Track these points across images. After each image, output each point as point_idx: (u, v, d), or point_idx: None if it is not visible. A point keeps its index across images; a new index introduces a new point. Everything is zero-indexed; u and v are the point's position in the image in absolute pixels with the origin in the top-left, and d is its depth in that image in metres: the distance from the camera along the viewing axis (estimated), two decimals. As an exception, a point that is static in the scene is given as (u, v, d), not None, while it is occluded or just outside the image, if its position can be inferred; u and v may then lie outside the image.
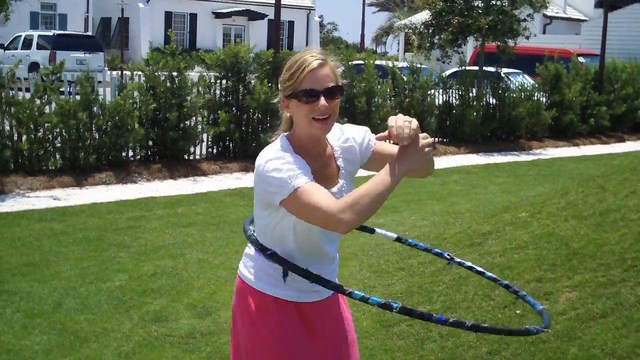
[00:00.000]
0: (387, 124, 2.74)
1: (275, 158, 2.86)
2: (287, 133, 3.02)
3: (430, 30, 19.99)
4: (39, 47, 28.32)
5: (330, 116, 2.90)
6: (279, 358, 3.02)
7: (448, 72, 20.87)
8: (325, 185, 2.92)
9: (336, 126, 3.12)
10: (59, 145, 11.96)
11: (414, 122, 2.71)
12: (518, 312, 5.61)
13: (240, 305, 3.13)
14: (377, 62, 17.50)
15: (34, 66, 26.25)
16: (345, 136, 3.13)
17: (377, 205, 2.70)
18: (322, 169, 3.01)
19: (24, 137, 11.54)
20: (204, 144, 14.11)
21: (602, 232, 6.41)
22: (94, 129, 12.17)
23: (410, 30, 23.29)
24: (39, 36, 29.09)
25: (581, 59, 23.78)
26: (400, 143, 2.72)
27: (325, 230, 2.94)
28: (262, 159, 2.90)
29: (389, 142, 2.86)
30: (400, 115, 2.76)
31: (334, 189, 3.01)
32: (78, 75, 12.21)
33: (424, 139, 2.76)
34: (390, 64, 17.66)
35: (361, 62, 16.88)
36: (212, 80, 14.19)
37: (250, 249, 3.13)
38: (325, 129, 2.93)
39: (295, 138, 2.98)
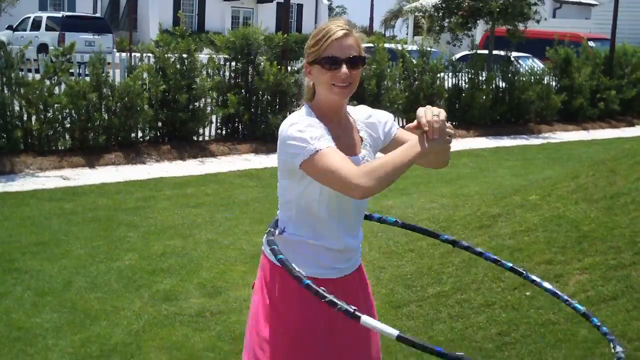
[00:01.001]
0: (417, 114, 2.74)
1: (299, 122, 2.90)
2: (310, 102, 3.06)
3: (440, 14, 19.89)
4: (48, 28, 28.30)
5: (351, 84, 2.95)
6: (302, 340, 3.02)
7: (458, 56, 20.79)
8: (347, 153, 2.94)
9: (362, 106, 3.20)
10: (69, 125, 11.98)
11: (442, 114, 2.71)
12: (528, 293, 5.61)
13: (265, 279, 3.12)
14: (387, 45, 17.46)
15: (42, 47, 26.23)
16: (369, 114, 3.18)
17: (395, 175, 2.71)
18: (344, 137, 3.04)
19: (34, 118, 11.57)
20: (213, 125, 14.11)
21: (612, 215, 6.39)
22: (103, 110, 12.18)
23: (420, 14, 23.22)
24: (48, 17, 29.06)
25: (591, 43, 23.66)
26: (430, 136, 2.70)
27: (354, 200, 2.95)
28: (286, 123, 2.93)
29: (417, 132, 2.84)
30: (428, 107, 2.75)
31: (358, 158, 3.03)
32: (90, 57, 12.22)
33: (448, 128, 2.76)
34: (400, 47, 17.61)
35: (371, 45, 16.84)
36: (222, 62, 14.18)
37: (274, 228, 3.12)
38: (345, 95, 2.98)
39: (317, 106, 3.03)
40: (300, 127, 2.87)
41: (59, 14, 29.78)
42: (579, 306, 3.25)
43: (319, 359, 3.06)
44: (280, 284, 3.06)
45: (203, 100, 13.51)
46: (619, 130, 20.30)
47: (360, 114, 3.17)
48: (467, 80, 18.25)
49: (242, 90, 14.16)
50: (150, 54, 13.20)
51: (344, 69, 2.91)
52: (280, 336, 3.04)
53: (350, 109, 3.17)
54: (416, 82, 16.98)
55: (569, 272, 5.74)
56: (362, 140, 3.10)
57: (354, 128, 3.12)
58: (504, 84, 18.81)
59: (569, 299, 3.32)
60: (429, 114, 2.68)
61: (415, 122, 2.76)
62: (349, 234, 3.09)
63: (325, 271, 3.06)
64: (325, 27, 2.98)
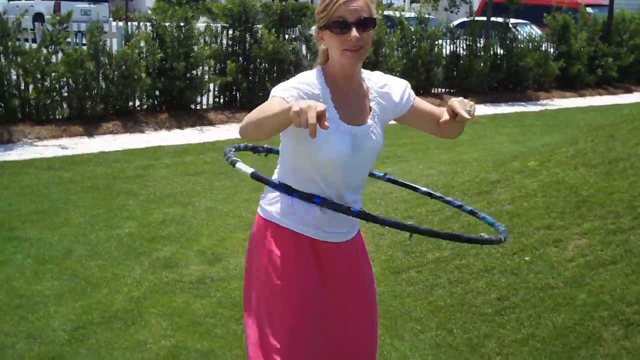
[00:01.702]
0: (454, 106, 2.81)
1: (298, 78, 2.96)
2: (322, 66, 3.06)
3: (438, -20, 19.80)
4: (43, -3, 28.10)
5: (362, 47, 2.93)
6: (288, 293, 3.03)
7: (456, 22, 20.69)
8: (353, 122, 2.99)
9: (379, 73, 3.18)
10: (66, 94, 11.94)
11: (474, 106, 2.84)
12: (527, 258, 5.63)
13: (257, 239, 3.14)
14: (385, 12, 17.38)
15: (38, 17, 26.06)
16: (384, 82, 3.15)
17: (261, 122, 2.74)
18: (353, 105, 3.04)
19: (31, 87, 11.53)
20: (211, 94, 14.07)
21: (611, 180, 6.40)
22: (101, 78, 12.14)
23: (418, -20, 23.08)
24: (43, -14, 28.84)
25: (589, 10, 23.56)
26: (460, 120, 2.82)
27: (345, 168, 2.97)
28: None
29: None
30: (461, 99, 2.84)
31: (362, 127, 3.03)
32: (87, 25, 12.16)
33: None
34: (398, 14, 17.53)
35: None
36: (219, 30, 14.11)
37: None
38: (357, 59, 2.95)
39: (330, 71, 3.02)
40: (293, 80, 2.93)
41: (54, -17, 29.54)
42: (468, 207, 3.50)
43: (316, 302, 3.07)
44: (274, 236, 3.08)
45: (201, 68, 13.47)
46: (616, 96, 20.26)
47: (375, 82, 3.14)
48: (465, 47, 18.19)
49: (240, 58, 14.12)
50: (147, 23, 13.14)
51: (354, 32, 2.89)
52: (277, 286, 3.05)
53: (366, 73, 3.15)
54: (414, 50, 16.94)
55: (568, 237, 5.76)
56: (370, 110, 3.09)
57: (367, 96, 3.10)
58: (501, 51, 18.75)
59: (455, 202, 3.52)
60: (467, 106, 2.81)
61: (446, 115, 2.86)
62: (342, 200, 3.08)
63: (309, 230, 3.06)
64: None
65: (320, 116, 2.47)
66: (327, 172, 2.99)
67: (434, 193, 3.61)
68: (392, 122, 3.23)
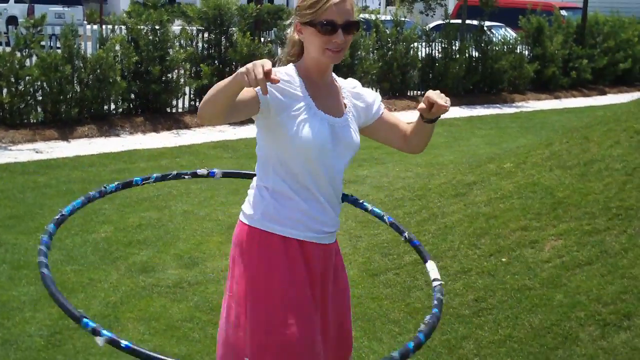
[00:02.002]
0: (430, 96, 2.86)
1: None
2: (295, 61, 3.06)
3: (413, -17, 19.88)
4: (17, 0, 27.89)
5: (343, 49, 2.96)
6: (281, 299, 2.96)
7: (431, 25, 20.76)
8: (330, 112, 3.00)
9: (351, 79, 3.23)
10: (41, 98, 11.85)
11: (449, 101, 2.88)
12: (504, 260, 5.66)
13: (243, 247, 3.04)
14: (361, 15, 17.41)
15: (11, 20, 25.90)
16: (355, 84, 3.20)
17: (211, 99, 2.70)
18: (327, 97, 3.04)
19: (5, 91, 11.43)
20: (187, 97, 14.03)
21: (586, 181, 6.44)
22: (75, 82, 12.07)
23: (393, -17, 23.15)
24: (17, -11, 28.65)
25: (563, 12, 23.73)
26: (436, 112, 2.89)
27: (326, 151, 2.95)
28: None
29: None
30: (438, 92, 2.87)
31: (340, 120, 3.03)
32: (62, 28, 12.08)
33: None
34: (373, 17, 17.56)
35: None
36: (194, 34, 14.08)
37: (253, 190, 3.09)
38: (336, 60, 2.98)
39: (304, 65, 3.02)
40: None
41: (28, -14, 29.36)
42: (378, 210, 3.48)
43: (305, 310, 3.00)
44: (261, 244, 3.00)
45: (176, 71, 13.42)
46: (591, 98, 20.40)
47: (347, 83, 3.19)
48: (440, 50, 18.24)
49: (215, 61, 14.09)
50: (122, 26, 13.08)
51: (340, 35, 2.91)
52: (268, 297, 2.97)
53: (338, 77, 3.18)
54: (390, 52, 16.97)
55: (544, 238, 5.79)
56: (345, 107, 3.10)
57: (339, 94, 3.12)
58: (477, 54, 18.82)
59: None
60: (442, 99, 2.85)
61: (423, 104, 2.89)
62: (326, 200, 3.03)
63: (304, 232, 3.00)
64: None
65: (267, 72, 2.47)
66: (311, 163, 2.94)
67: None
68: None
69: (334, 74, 3.16)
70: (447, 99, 2.87)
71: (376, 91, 16.63)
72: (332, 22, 2.89)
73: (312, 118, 2.93)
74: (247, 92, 2.80)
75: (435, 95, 2.85)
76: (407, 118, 14.82)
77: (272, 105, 2.86)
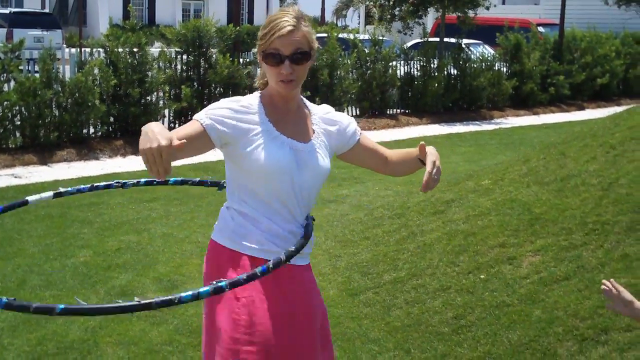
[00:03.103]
0: (430, 157, 3.02)
1: (230, 98, 3.03)
2: (263, 90, 3.11)
3: (391, 2, 19.97)
4: (-5, 25, 27.87)
5: (294, 80, 2.97)
6: (255, 319, 2.98)
7: (409, 44, 20.88)
8: (294, 136, 3.03)
9: (326, 105, 3.28)
10: (19, 123, 11.82)
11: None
12: (482, 277, 5.68)
13: (213, 264, 3.09)
14: (339, 35, 17.50)
15: (-10, 44, 25.81)
16: (328, 110, 3.23)
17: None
18: (292, 124, 3.07)
19: (-17, 116, 11.41)
20: (166, 119, 14.02)
21: (563, 197, 6.48)
22: (54, 106, 12.05)
23: (371, 3, 23.27)
24: (-4, 14, 28.62)
25: (541, 29, 23.91)
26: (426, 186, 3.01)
27: (288, 175, 2.97)
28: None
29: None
30: (438, 162, 3.02)
31: (306, 145, 3.05)
32: (40, 53, 12.08)
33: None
34: (352, 36, 17.65)
35: (324, 35, 16.86)
36: (173, 56, 14.09)
37: (225, 212, 3.12)
38: (289, 89, 3.00)
39: (268, 94, 3.07)
40: (221, 102, 2.98)
41: (7, 10, 29.32)
42: None
43: (290, 330, 3.02)
44: (229, 262, 3.03)
45: (155, 94, 13.42)
46: (569, 114, 20.55)
47: (319, 109, 3.21)
48: (419, 68, 18.35)
49: (195, 83, 14.11)
50: (100, 49, 13.08)
51: (287, 65, 2.92)
52: (241, 322, 2.97)
53: (311, 104, 3.21)
54: (369, 71, 17.05)
55: (522, 254, 5.81)
56: (313, 132, 3.11)
57: (308, 119, 3.14)
58: (455, 71, 18.94)
59: None
60: (435, 169, 3.00)
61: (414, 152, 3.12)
62: (291, 220, 3.05)
63: (264, 253, 3.00)
64: (273, 20, 2.97)
65: (163, 152, 2.45)
66: (276, 187, 2.96)
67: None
68: (340, 161, 3.28)
69: (305, 100, 3.20)
70: (440, 172, 3.02)
71: (356, 110, 16.77)
72: (277, 53, 2.93)
73: (271, 142, 2.96)
74: (195, 131, 2.87)
75: (431, 164, 2.98)
76: (387, 136, 14.89)
77: (225, 138, 2.92)
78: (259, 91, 3.12)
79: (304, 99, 3.23)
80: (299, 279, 3.11)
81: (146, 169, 2.48)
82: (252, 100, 3.03)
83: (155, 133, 2.48)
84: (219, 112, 2.93)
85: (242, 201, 3.03)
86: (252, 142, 2.94)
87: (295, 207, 3.04)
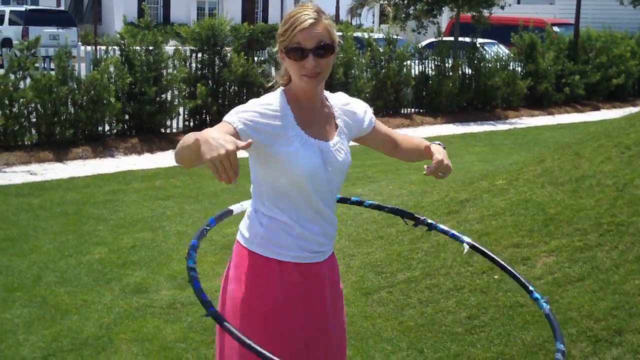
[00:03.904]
0: (436, 155, 3.13)
1: (258, 99, 2.99)
2: (286, 86, 3.07)
3: (406, 1, 19.97)
4: (11, 22, 28.01)
5: (319, 73, 2.95)
6: (265, 324, 3.01)
7: (424, 43, 20.87)
8: (320, 137, 3.02)
9: (340, 93, 3.25)
10: (35, 120, 11.89)
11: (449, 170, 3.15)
12: (496, 277, 5.67)
13: (239, 268, 3.07)
14: (354, 34, 17.51)
15: (6, 42, 25.98)
16: (347, 101, 3.22)
17: (179, 153, 2.75)
18: (318, 123, 3.06)
19: (-1, 113, 11.48)
20: (181, 117, 14.06)
21: (578, 197, 6.47)
22: (70, 103, 12.10)
23: (385, 2, 23.25)
24: (11, 12, 28.74)
25: (556, 29, 23.84)
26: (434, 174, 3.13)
27: (319, 178, 2.98)
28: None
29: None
30: (446, 161, 3.13)
31: (329, 143, 3.05)
32: (56, 50, 12.14)
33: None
34: (366, 35, 17.65)
35: (339, 33, 16.86)
36: (188, 54, 14.13)
37: (253, 215, 3.11)
38: (314, 84, 2.97)
39: (291, 91, 3.04)
40: (250, 104, 2.94)
41: (22, 8, 29.47)
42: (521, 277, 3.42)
43: (298, 334, 3.03)
44: (256, 268, 3.03)
45: (170, 92, 13.46)
46: (584, 114, 20.49)
47: (338, 100, 3.19)
48: (433, 68, 18.34)
49: (209, 82, 14.14)
50: (116, 47, 13.13)
51: (310, 59, 2.90)
52: (260, 317, 3.00)
53: (328, 94, 3.19)
54: (383, 70, 17.05)
55: (536, 255, 5.81)
56: (337, 128, 3.12)
57: (332, 114, 3.14)
58: (470, 71, 18.91)
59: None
60: (443, 166, 3.11)
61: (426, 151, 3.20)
62: (319, 223, 3.06)
63: (294, 254, 3.03)
64: (294, 15, 2.95)
65: (231, 157, 2.47)
66: (303, 191, 2.97)
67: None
68: (353, 142, 3.28)
69: (326, 92, 3.18)
70: (450, 168, 3.14)
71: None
72: (300, 47, 2.90)
73: (303, 147, 2.94)
74: (228, 134, 2.84)
75: (438, 163, 3.11)
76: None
77: (258, 142, 2.90)
78: (280, 89, 3.08)
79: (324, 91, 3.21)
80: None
81: (214, 175, 2.50)
82: (279, 101, 3.00)
83: (217, 139, 2.49)
84: (251, 116, 2.88)
85: (271, 205, 3.01)
86: (283, 148, 2.92)
87: (324, 206, 3.04)
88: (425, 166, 3.16)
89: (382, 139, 3.30)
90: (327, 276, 3.16)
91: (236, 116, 2.87)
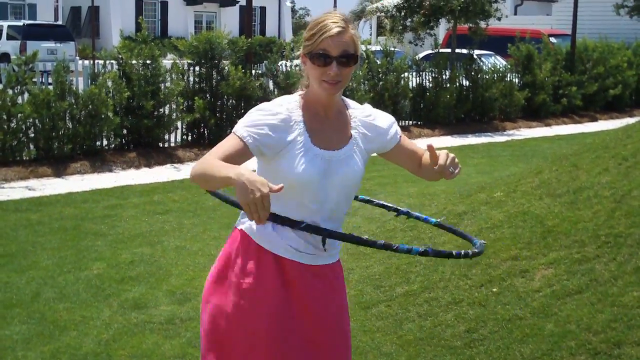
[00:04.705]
0: (440, 155, 3.00)
1: (268, 106, 2.99)
2: (304, 91, 3.09)
3: (403, 13, 19.98)
4: (9, 37, 28.09)
5: (340, 81, 2.97)
6: (267, 316, 3.04)
7: (421, 55, 20.91)
8: (327, 146, 3.02)
9: (367, 105, 3.25)
10: (33, 135, 11.89)
11: (458, 170, 3.03)
12: (494, 290, 5.68)
13: (237, 250, 3.13)
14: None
15: (4, 57, 26.02)
16: (371, 113, 3.20)
17: (202, 177, 2.83)
18: (329, 130, 3.06)
19: (-3, 128, 11.48)
20: (179, 131, 14.07)
21: (575, 209, 6.48)
22: (68, 118, 12.11)
23: (382, 14, 23.32)
24: (9, 26, 28.84)
25: (553, 40, 23.90)
26: (440, 173, 3.01)
27: (311, 189, 2.99)
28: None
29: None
30: (451, 156, 3.00)
31: (337, 153, 3.05)
32: (54, 65, 12.16)
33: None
34: (364, 47, 17.69)
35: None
36: (186, 68, 14.15)
37: None
38: (333, 92, 2.99)
39: (308, 95, 3.06)
40: (258, 112, 2.96)
41: (20, 23, 29.56)
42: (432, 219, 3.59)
43: (295, 332, 3.07)
44: (254, 253, 3.08)
45: (168, 106, 13.47)
46: (581, 125, 20.52)
47: (361, 111, 3.18)
48: (431, 79, 18.38)
49: (207, 95, 14.16)
50: (113, 61, 13.15)
51: (334, 66, 2.92)
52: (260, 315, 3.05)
53: (352, 104, 3.19)
54: (381, 82, 17.07)
55: (535, 267, 5.81)
56: (350, 137, 3.11)
57: (348, 124, 3.12)
58: (467, 82, 18.95)
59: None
60: (449, 163, 2.98)
61: (428, 157, 3.03)
62: (324, 221, 3.06)
63: (294, 253, 3.06)
64: (322, 20, 2.97)
65: (265, 200, 2.57)
66: (297, 197, 2.99)
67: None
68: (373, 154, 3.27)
69: (347, 101, 3.18)
70: (459, 167, 3.03)
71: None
72: (326, 53, 2.92)
73: (304, 155, 2.96)
74: (237, 149, 2.88)
75: (445, 160, 2.98)
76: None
77: (264, 153, 2.94)
78: (300, 91, 3.11)
79: (345, 99, 3.20)
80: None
81: (247, 215, 2.62)
82: (292, 106, 3.02)
83: (253, 183, 2.57)
84: (261, 130, 2.92)
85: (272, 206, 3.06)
86: (287, 154, 2.96)
87: (319, 218, 3.04)
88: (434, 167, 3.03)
89: (406, 155, 3.25)
90: (324, 281, 3.16)
91: (245, 130, 2.90)
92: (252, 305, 3.04)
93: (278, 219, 2.76)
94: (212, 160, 2.81)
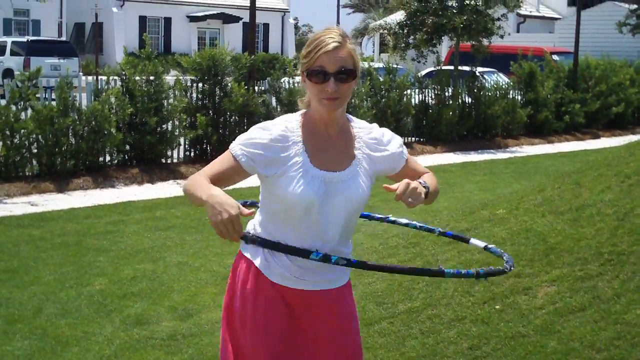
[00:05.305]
0: (399, 187, 2.89)
1: (264, 126, 2.98)
2: (307, 109, 3.07)
3: (405, 31, 20.05)
4: (13, 53, 28.16)
5: (339, 98, 2.93)
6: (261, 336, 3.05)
7: (424, 72, 20.95)
8: (328, 167, 2.98)
9: (375, 125, 3.19)
10: (36, 151, 11.91)
11: (419, 199, 2.93)
12: (497, 307, 5.66)
13: (237, 277, 3.15)
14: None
15: (7, 72, 26.09)
16: (375, 134, 3.14)
17: (189, 195, 2.83)
18: (330, 151, 3.02)
19: (0, 144, 11.48)
20: (182, 147, 14.09)
21: (578, 227, 6.47)
22: (71, 134, 12.13)
23: (385, 31, 23.42)
24: (13, 42, 28.90)
25: (555, 57, 23.95)
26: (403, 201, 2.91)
27: (310, 210, 2.96)
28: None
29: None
30: (412, 187, 2.90)
31: (339, 174, 3.01)
32: (57, 81, 12.18)
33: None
34: (366, 64, 17.72)
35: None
36: (189, 84, 14.17)
37: (255, 228, 3.13)
38: (333, 109, 2.95)
39: (310, 114, 3.03)
40: (259, 127, 2.97)
41: (24, 39, 29.65)
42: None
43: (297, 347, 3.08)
44: (254, 278, 3.07)
45: (171, 122, 13.49)
46: (584, 142, 20.52)
47: (365, 131, 3.13)
48: (433, 97, 18.39)
49: (210, 112, 14.18)
50: (116, 77, 13.18)
51: (332, 83, 2.89)
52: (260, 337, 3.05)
53: (358, 122, 3.14)
54: (383, 100, 17.08)
55: (537, 285, 5.80)
56: (353, 158, 3.06)
57: (351, 143, 3.08)
58: (470, 99, 18.97)
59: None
60: (406, 194, 2.88)
61: (395, 186, 2.91)
62: (321, 246, 3.03)
63: (286, 281, 3.05)
64: (318, 37, 2.94)
65: (234, 221, 2.63)
66: (296, 219, 2.96)
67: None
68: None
69: (353, 119, 3.14)
70: (421, 196, 2.93)
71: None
72: (323, 69, 2.88)
73: (303, 177, 2.92)
74: (231, 167, 2.90)
75: (403, 192, 2.89)
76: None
77: (260, 171, 2.93)
78: (303, 110, 3.07)
79: (351, 117, 3.15)
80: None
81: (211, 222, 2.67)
82: (292, 125, 2.99)
83: (222, 204, 2.63)
84: (256, 149, 2.91)
85: (265, 222, 3.06)
86: (284, 174, 2.93)
87: (319, 241, 3.01)
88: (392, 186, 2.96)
89: (409, 177, 3.10)
90: (320, 308, 3.14)
91: (240, 148, 2.90)
92: (253, 335, 3.04)
93: (288, 249, 2.81)
94: (199, 179, 2.82)
